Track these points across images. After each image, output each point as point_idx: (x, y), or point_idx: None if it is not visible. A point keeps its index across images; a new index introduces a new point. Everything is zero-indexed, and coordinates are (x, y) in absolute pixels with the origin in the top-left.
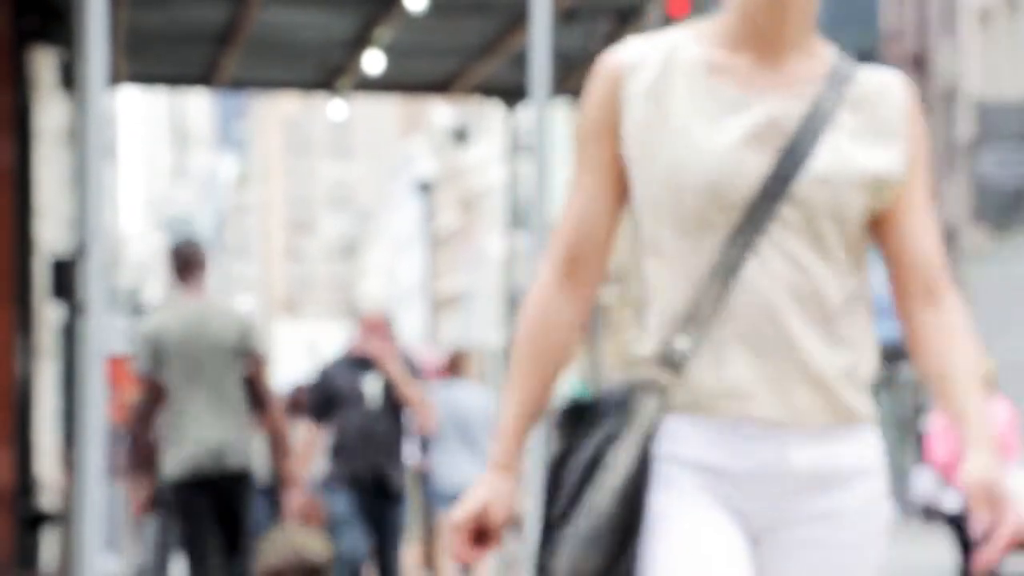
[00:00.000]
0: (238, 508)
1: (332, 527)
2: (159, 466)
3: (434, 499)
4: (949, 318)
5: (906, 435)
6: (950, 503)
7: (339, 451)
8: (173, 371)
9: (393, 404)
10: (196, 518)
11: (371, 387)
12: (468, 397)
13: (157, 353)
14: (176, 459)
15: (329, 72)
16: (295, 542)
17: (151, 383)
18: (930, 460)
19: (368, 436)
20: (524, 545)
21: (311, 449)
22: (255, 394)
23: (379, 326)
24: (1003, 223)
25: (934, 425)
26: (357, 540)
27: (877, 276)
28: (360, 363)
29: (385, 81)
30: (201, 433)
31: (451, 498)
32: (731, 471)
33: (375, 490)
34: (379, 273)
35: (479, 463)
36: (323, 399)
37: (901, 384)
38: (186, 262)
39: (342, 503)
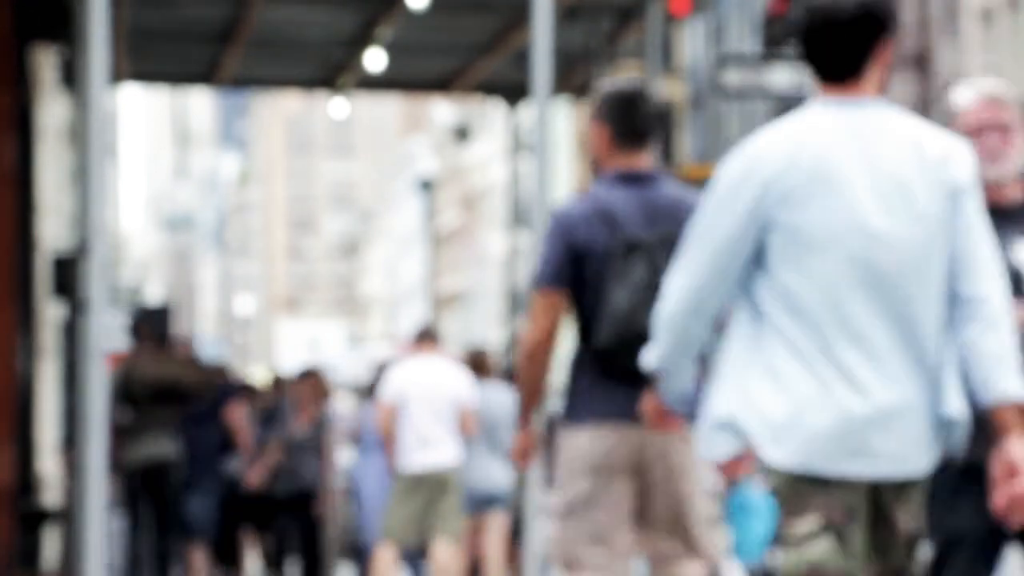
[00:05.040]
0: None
1: None
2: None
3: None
4: None
5: None
6: None
7: None
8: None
9: None
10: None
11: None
12: (495, 398)
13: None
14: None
15: (330, 70)
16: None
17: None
18: None
19: None
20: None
21: None
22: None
23: None
24: None
25: None
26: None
27: None
28: None
29: (386, 79)
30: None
31: (479, 502)
32: None
33: None
34: (380, 271)
35: (506, 464)
36: None
37: None
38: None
39: None
